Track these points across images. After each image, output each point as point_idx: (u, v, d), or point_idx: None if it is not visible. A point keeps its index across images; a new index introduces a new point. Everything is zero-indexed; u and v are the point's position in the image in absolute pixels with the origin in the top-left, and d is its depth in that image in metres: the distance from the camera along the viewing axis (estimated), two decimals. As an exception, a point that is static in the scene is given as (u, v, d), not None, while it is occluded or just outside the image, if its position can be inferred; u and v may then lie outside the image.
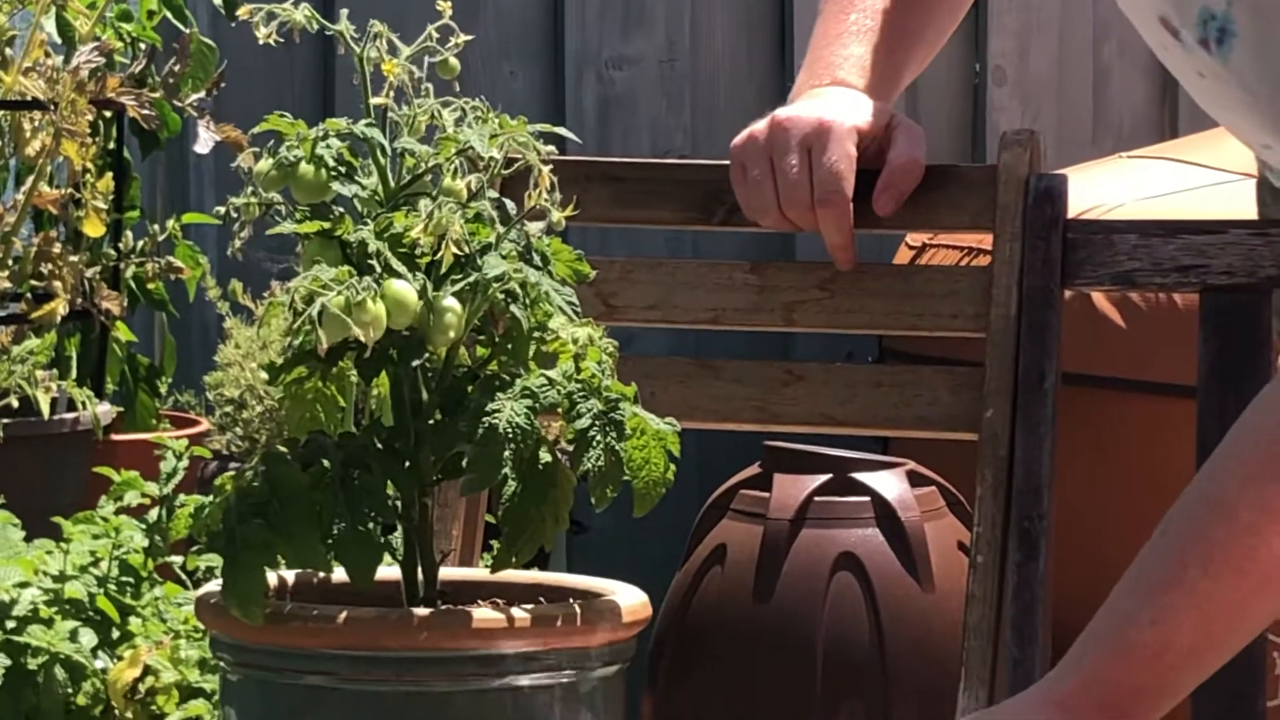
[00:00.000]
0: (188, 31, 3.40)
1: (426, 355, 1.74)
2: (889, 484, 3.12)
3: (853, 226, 1.94)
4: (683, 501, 2.92)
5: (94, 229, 3.20)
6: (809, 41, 2.14)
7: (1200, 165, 3.34)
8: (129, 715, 2.48)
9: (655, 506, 1.76)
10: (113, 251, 3.30)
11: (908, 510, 3.02)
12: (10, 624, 2.47)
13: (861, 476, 3.12)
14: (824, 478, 3.11)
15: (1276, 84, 1.78)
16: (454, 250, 1.72)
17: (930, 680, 2.90)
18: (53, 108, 3.09)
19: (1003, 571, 1.95)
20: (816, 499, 3.04)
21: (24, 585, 2.51)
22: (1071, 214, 2.01)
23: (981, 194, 2.07)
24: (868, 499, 3.06)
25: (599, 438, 1.69)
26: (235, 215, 1.80)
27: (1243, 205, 2.17)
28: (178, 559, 2.52)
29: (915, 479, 3.15)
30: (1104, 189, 3.33)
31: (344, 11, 1.83)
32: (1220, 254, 1.89)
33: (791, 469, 3.13)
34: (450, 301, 1.72)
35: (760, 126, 1.98)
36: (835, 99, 2.00)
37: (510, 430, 1.68)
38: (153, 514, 2.53)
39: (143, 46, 3.37)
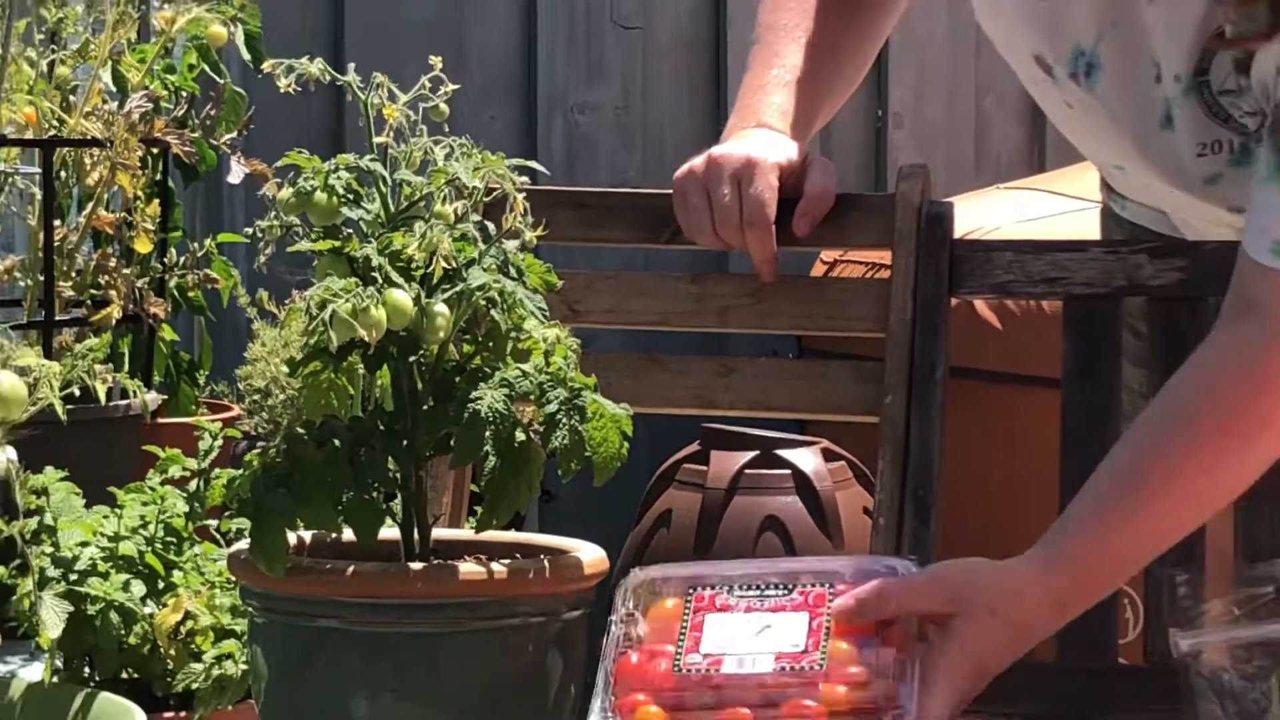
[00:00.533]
0: (222, 82, 3.39)
1: (421, 352, 1.73)
2: (807, 459, 3.13)
3: (775, 245, 1.93)
4: (635, 473, 2.91)
5: (143, 246, 3.19)
6: (739, 91, 2.12)
7: (1063, 195, 3.35)
8: (172, 652, 2.47)
9: (612, 477, 1.76)
10: (159, 265, 3.28)
11: (822, 481, 3.02)
12: (73, 576, 2.46)
13: (784, 453, 3.12)
14: (753, 454, 3.11)
15: (1134, 108, 1.78)
16: (443, 264, 1.72)
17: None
18: (109, 145, 3.07)
19: (900, 532, 1.95)
20: (747, 471, 3.05)
21: (84, 544, 2.49)
22: (957, 235, 2.00)
23: (883, 218, 2.07)
24: (789, 472, 3.07)
25: (565, 420, 1.69)
26: (261, 235, 1.79)
27: (1098, 228, 2.17)
28: (213, 522, 2.51)
29: (828, 455, 3.15)
30: (985, 214, 3.34)
31: (351, 65, 1.82)
32: (1080, 269, 1.89)
33: (726, 447, 3.14)
34: (440, 307, 1.71)
35: (698, 162, 1.97)
36: (760, 139, 1.99)
37: (491, 415, 1.67)
38: (192, 485, 2.52)
39: (184, 94, 3.35)
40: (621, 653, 1.60)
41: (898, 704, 1.52)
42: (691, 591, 1.62)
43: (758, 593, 1.61)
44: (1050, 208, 3.32)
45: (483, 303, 1.71)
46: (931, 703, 1.55)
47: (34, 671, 2.47)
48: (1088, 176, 2.13)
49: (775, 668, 1.54)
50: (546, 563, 1.72)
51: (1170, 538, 1.71)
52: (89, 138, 3.09)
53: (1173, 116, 1.77)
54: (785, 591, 1.60)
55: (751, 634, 1.57)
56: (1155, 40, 1.75)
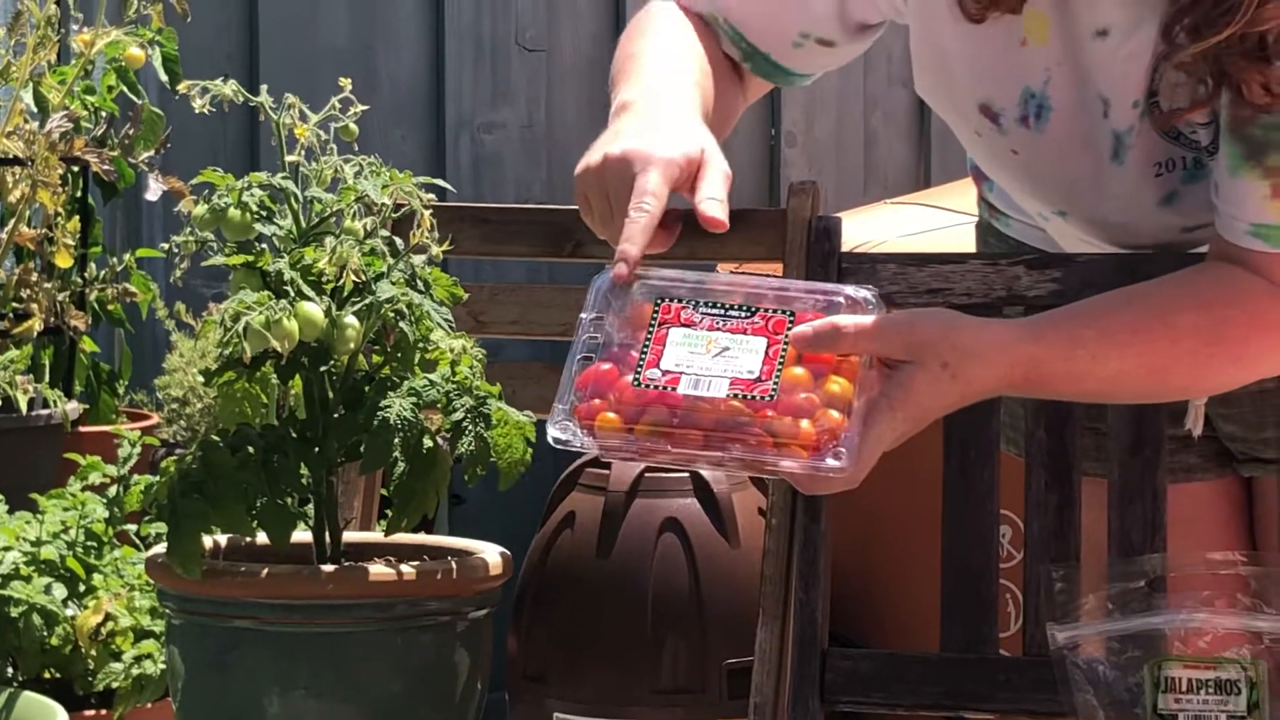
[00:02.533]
0: (140, 102, 3.37)
1: (331, 362, 1.73)
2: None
3: (647, 240, 1.74)
4: (540, 477, 2.91)
5: (64, 261, 3.17)
6: (624, 68, 1.92)
7: (946, 209, 3.36)
8: (93, 653, 2.45)
9: (517, 481, 1.76)
10: (80, 280, 3.26)
11: (719, 483, 3.02)
12: (-3, 580, 2.44)
13: (661, 463, 3.11)
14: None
15: (1084, 144, 1.79)
16: (353, 278, 1.71)
17: (737, 618, 2.90)
18: (30, 164, 3.05)
19: (792, 531, 1.95)
20: (647, 475, 3.04)
21: (6, 549, 2.47)
22: (845, 248, 2.01)
23: (775, 232, 2.08)
24: (687, 475, 3.06)
25: (470, 428, 1.69)
26: (177, 251, 1.78)
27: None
28: (132, 527, 2.49)
29: (725, 458, 3.15)
30: (872, 228, 3.34)
31: (264, 87, 1.81)
32: (961, 280, 1.89)
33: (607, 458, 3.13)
34: (350, 319, 1.71)
35: (595, 160, 1.80)
36: (658, 130, 1.78)
37: (399, 422, 1.67)
38: (112, 491, 2.50)
39: (103, 114, 3.33)
40: (586, 357, 1.58)
41: (838, 440, 1.53)
42: (660, 301, 1.60)
43: (721, 311, 1.58)
44: (934, 222, 3.33)
45: (391, 315, 1.71)
46: (868, 440, 1.55)
47: (-42, 673, 2.45)
48: (970, 192, 2.14)
49: (729, 393, 1.53)
50: (453, 564, 1.72)
51: (1124, 394, 1.73)
52: (10, 156, 3.07)
53: (1122, 149, 1.78)
54: (747, 314, 1.58)
55: (710, 355, 1.55)
56: (1102, 75, 1.75)
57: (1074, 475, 1.88)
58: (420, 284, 1.75)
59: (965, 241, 2.19)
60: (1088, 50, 1.75)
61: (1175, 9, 1.63)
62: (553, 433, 1.53)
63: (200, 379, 1.75)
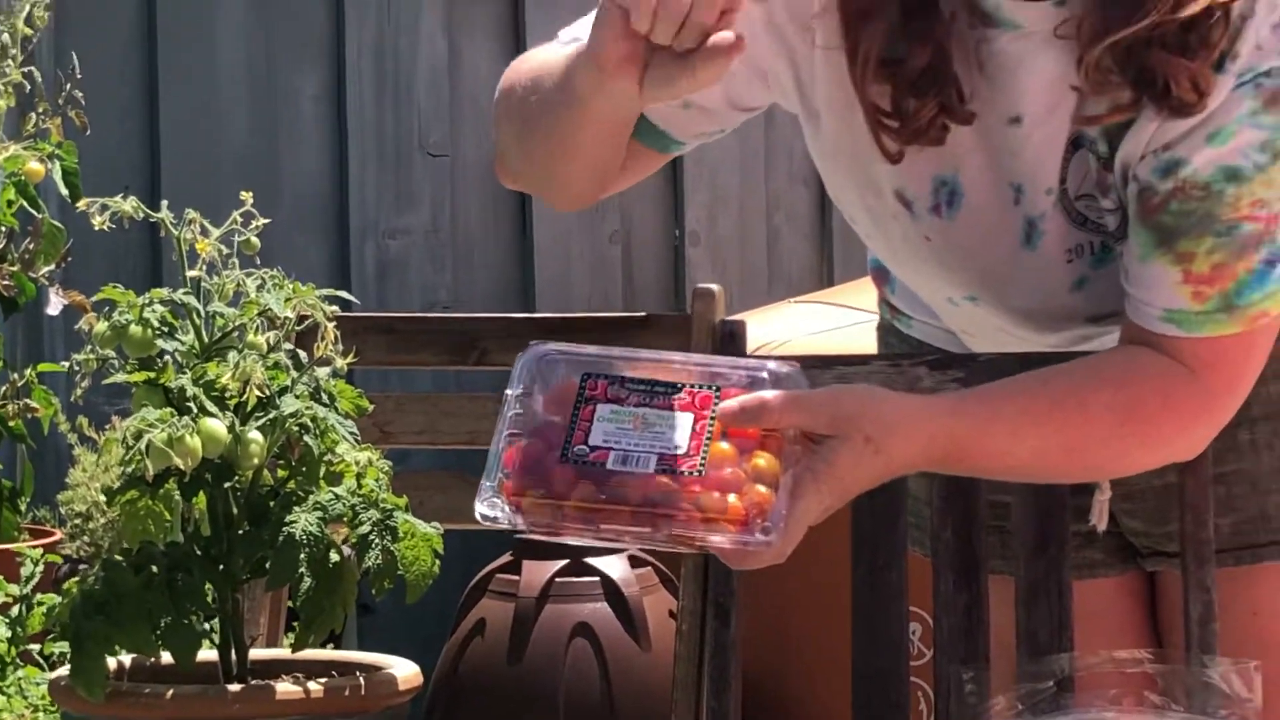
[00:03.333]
0: (40, 216, 3.34)
1: (236, 478, 1.72)
2: (615, 566, 3.12)
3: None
4: (449, 585, 2.90)
5: (-37, 377, 3.14)
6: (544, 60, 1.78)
7: (849, 308, 3.38)
8: (-2, 776, 2.42)
9: (426, 591, 1.75)
10: (-21, 395, 3.23)
11: (630, 587, 3.02)
12: (-103, 704, 2.41)
13: (593, 561, 3.11)
14: (563, 562, 3.10)
15: (997, 230, 1.80)
16: (256, 393, 1.71)
17: (651, 724, 2.89)
18: (-72, 279, 3.03)
19: (703, 636, 1.95)
20: (557, 580, 3.03)
21: (-93, 672, 2.44)
22: (750, 349, 2.02)
23: (681, 336, 2.08)
24: (598, 579, 3.06)
25: (377, 541, 1.68)
26: (79, 368, 1.78)
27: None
28: (36, 646, 2.47)
29: (635, 561, 3.15)
30: (776, 328, 3.35)
31: (165, 203, 1.81)
32: (865, 380, 1.89)
33: (537, 557, 3.12)
34: (254, 434, 1.70)
35: None
36: None
37: (305, 537, 1.66)
38: (14, 610, 2.48)
39: (3, 229, 3.31)
40: (513, 434, 1.57)
41: (766, 515, 1.53)
42: (586, 377, 1.60)
43: (647, 388, 1.58)
44: (838, 320, 3.34)
45: (296, 429, 1.70)
46: (794, 514, 1.55)
47: None
48: (871, 290, 2.15)
49: (657, 469, 1.53)
50: (362, 680, 1.71)
51: (1040, 472, 1.73)
52: (-91, 272, 3.04)
53: (1034, 235, 1.79)
54: (674, 390, 1.58)
55: (638, 430, 1.55)
56: (1017, 161, 1.77)
57: (981, 574, 1.89)
58: (325, 397, 1.74)
59: (869, 339, 2.20)
60: (1000, 137, 1.76)
61: (1095, 25, 1.65)
62: (480, 510, 1.53)
63: (103, 496, 1.73)
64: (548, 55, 1.76)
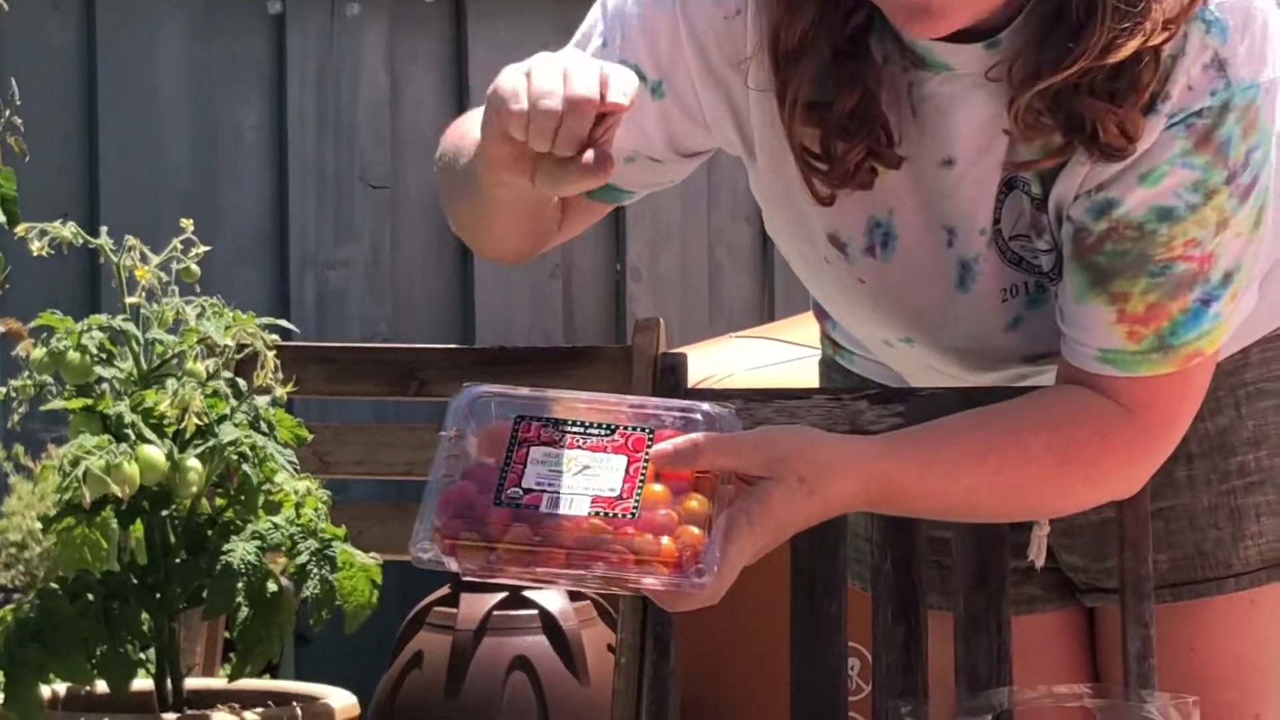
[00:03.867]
0: (-23, 242, 3.33)
1: (173, 506, 1.71)
2: (552, 599, 3.12)
3: (634, 95, 1.55)
4: (387, 617, 2.89)
5: (-101, 404, 3.12)
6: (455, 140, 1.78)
7: (791, 343, 3.39)
8: (-72, 807, 2.39)
9: (364, 622, 1.74)
10: (-85, 422, 3.21)
11: (568, 620, 3.01)
12: None
13: (531, 594, 3.11)
14: (501, 595, 3.10)
15: (930, 272, 1.80)
16: (195, 420, 1.70)
17: (588, 758, 2.89)
18: None
19: (641, 669, 1.95)
20: (495, 613, 3.03)
21: None
22: (691, 383, 2.02)
23: (622, 369, 2.09)
24: (536, 612, 3.05)
25: (315, 571, 1.68)
26: (15, 395, 1.77)
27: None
28: (-31, 676, 2.44)
29: (574, 595, 3.14)
30: (717, 362, 3.36)
31: (104, 229, 1.80)
32: (806, 414, 1.90)
33: (475, 589, 3.12)
34: (193, 462, 1.69)
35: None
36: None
37: (243, 566, 1.66)
38: (-52, 639, 2.46)
39: (-60, 255, 3.29)
40: (447, 476, 1.57)
41: (699, 556, 1.54)
42: (520, 420, 1.60)
43: (581, 430, 1.59)
44: (779, 355, 3.35)
45: (234, 457, 1.70)
46: (728, 555, 1.55)
47: None
48: (813, 325, 2.16)
49: (591, 511, 1.54)
50: (298, 711, 1.70)
51: (977, 512, 1.74)
52: None
53: (970, 274, 1.80)
54: (607, 433, 1.59)
55: (571, 473, 1.56)
56: (950, 203, 1.77)
57: (920, 609, 1.89)
58: (264, 425, 1.74)
59: (809, 374, 2.20)
60: (934, 179, 1.77)
61: (1026, 68, 1.66)
62: (415, 553, 1.53)
63: (39, 524, 1.72)
64: (471, 126, 1.74)
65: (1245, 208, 1.69)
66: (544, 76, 1.54)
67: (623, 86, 1.56)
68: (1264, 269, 1.79)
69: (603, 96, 1.53)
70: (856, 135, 1.71)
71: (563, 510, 1.54)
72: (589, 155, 1.52)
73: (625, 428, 1.60)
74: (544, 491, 1.55)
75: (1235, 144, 1.67)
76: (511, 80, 1.56)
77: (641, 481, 1.56)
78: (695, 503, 1.57)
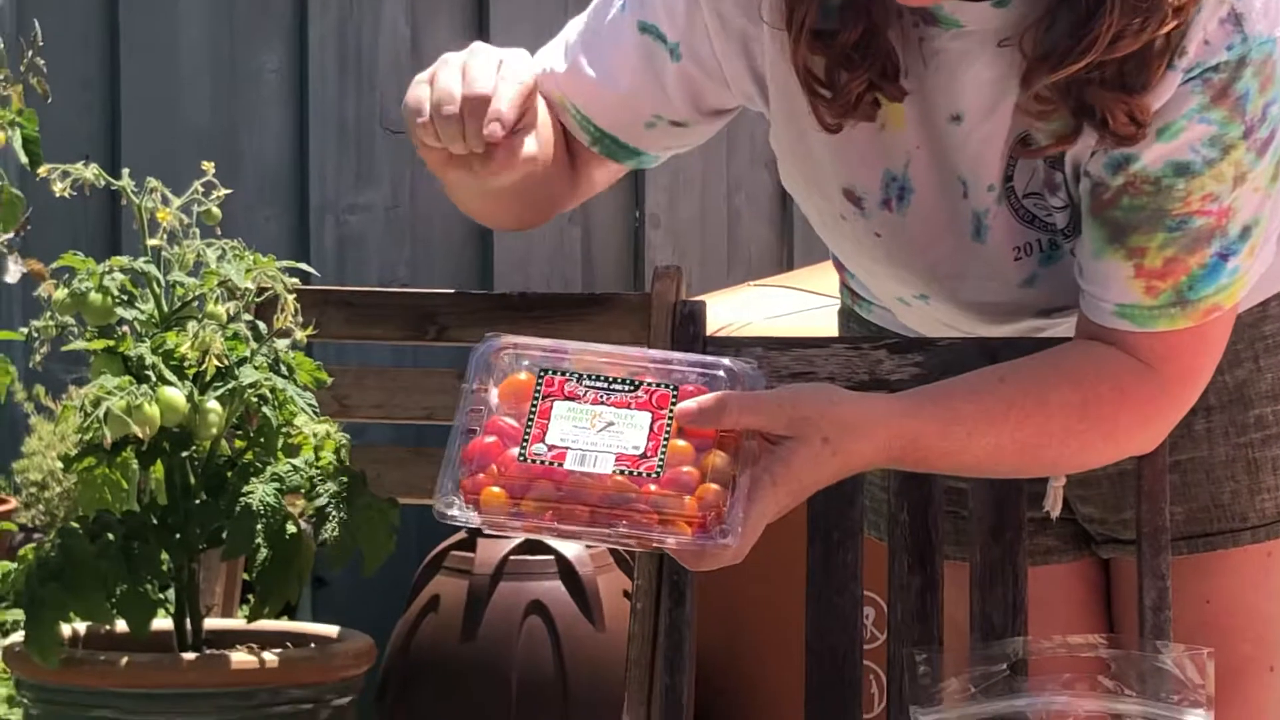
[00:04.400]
0: (0, 183, 3.33)
1: (193, 447, 1.72)
2: (569, 545, 3.12)
3: (520, 104, 1.60)
4: (404, 561, 2.90)
5: (-80, 343, 3.13)
6: None
7: (809, 291, 3.38)
8: (-53, 743, 2.41)
9: (381, 565, 1.75)
10: (-64, 362, 3.22)
11: (584, 566, 3.02)
12: None
13: (548, 539, 3.12)
14: (518, 540, 3.10)
15: (946, 224, 1.80)
16: (216, 362, 1.70)
17: (602, 702, 2.90)
18: (-114, 245, 3.01)
19: (657, 615, 1.95)
20: (512, 558, 3.03)
21: None
22: (710, 331, 2.02)
23: (640, 316, 2.08)
24: (553, 557, 3.06)
25: (334, 513, 1.68)
26: (37, 335, 1.77)
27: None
28: (-10, 615, 2.46)
29: (591, 543, 3.15)
30: (736, 311, 3.36)
31: (126, 170, 1.80)
32: (825, 363, 1.91)
33: (491, 537, 3.13)
34: (213, 404, 1.70)
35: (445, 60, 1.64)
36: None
37: (262, 508, 1.66)
38: (-31, 578, 2.47)
39: (-39, 195, 3.29)
40: (470, 430, 1.57)
41: (723, 517, 1.54)
42: (543, 374, 1.60)
43: (604, 385, 1.59)
44: (798, 304, 3.34)
45: (254, 400, 1.70)
46: (751, 515, 1.56)
47: None
48: (832, 275, 2.15)
49: (615, 469, 1.54)
50: (316, 651, 1.71)
51: (998, 469, 1.74)
52: None
53: (983, 227, 1.80)
54: (631, 389, 1.59)
55: (595, 429, 1.56)
56: (960, 157, 1.77)
57: (936, 559, 1.89)
58: (284, 368, 1.74)
59: (828, 324, 2.20)
60: (943, 134, 1.77)
61: (1036, 48, 1.66)
62: (438, 508, 1.53)
63: (60, 464, 1.73)
64: None
65: (1263, 162, 1.69)
66: (443, 81, 1.57)
67: (518, 75, 1.58)
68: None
69: (500, 87, 1.55)
70: (860, 65, 1.71)
71: (587, 467, 1.55)
72: (499, 152, 1.54)
73: (649, 384, 1.60)
74: (568, 448, 1.55)
75: (1252, 98, 1.67)
76: (415, 92, 1.59)
77: (666, 439, 1.57)
78: (719, 459, 1.56)
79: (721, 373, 1.60)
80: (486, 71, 1.57)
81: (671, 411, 1.57)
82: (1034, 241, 1.78)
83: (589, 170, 1.86)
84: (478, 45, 1.66)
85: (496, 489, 1.54)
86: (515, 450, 1.55)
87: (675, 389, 1.59)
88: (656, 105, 1.80)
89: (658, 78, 1.77)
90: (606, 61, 1.79)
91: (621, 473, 1.54)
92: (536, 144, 1.66)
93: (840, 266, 2.05)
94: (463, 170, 1.59)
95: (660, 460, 1.55)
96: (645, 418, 1.57)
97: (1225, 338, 1.73)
